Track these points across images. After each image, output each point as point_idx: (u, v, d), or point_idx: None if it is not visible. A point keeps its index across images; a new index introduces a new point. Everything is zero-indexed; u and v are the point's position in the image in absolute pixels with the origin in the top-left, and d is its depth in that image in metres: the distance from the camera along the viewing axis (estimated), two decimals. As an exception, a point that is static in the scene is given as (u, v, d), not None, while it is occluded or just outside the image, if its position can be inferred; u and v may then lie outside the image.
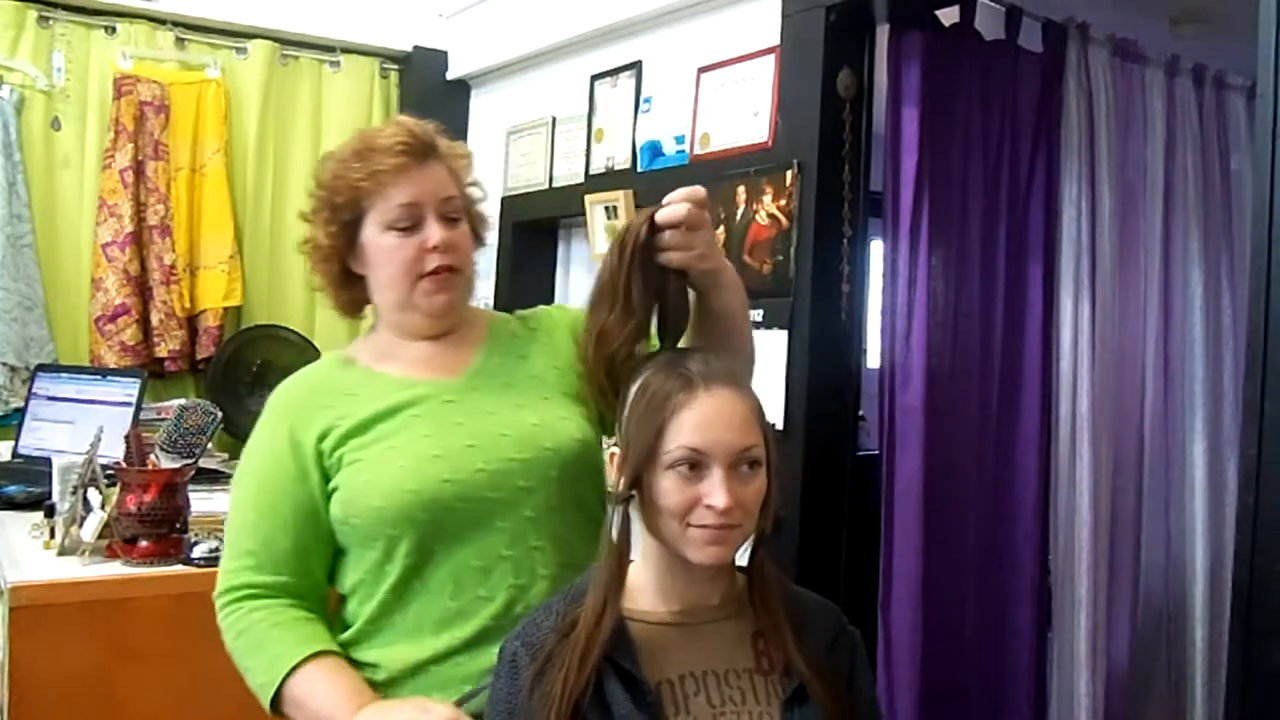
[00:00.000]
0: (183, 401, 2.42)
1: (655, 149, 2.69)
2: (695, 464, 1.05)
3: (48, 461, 2.29)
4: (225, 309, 3.31)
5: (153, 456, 2.05)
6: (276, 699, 1.23)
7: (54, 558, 2.00)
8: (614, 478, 1.10)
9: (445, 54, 3.55)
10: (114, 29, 3.22)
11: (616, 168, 2.82)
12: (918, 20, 2.27)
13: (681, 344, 1.23)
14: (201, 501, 2.14)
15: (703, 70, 2.56)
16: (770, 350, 2.22)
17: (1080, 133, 2.43)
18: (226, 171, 3.31)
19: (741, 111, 2.43)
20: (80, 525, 1.99)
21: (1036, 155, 2.43)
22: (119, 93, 3.15)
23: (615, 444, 1.12)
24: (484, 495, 1.26)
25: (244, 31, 3.38)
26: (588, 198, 2.84)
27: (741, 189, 2.36)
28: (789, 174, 2.25)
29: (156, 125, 3.20)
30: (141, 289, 3.18)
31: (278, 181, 3.41)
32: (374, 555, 1.27)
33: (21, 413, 2.87)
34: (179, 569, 1.96)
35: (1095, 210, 2.45)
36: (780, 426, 2.21)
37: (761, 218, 2.31)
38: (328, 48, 3.51)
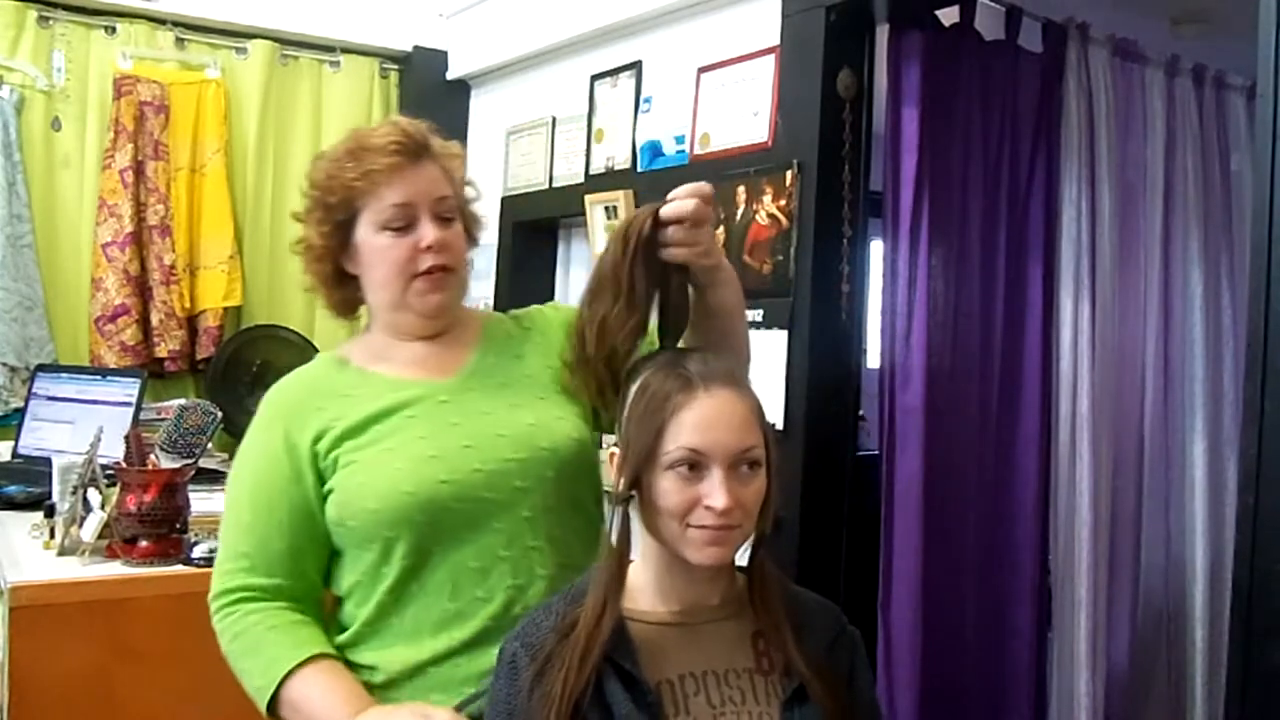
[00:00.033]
0: (183, 401, 2.41)
1: (655, 149, 2.69)
2: (695, 464, 1.05)
3: (48, 461, 2.29)
4: (225, 309, 3.30)
5: (153, 456, 2.06)
6: (273, 702, 1.23)
7: (54, 558, 2.00)
8: (614, 478, 1.10)
9: (445, 54, 3.55)
10: (114, 29, 3.22)
11: (616, 168, 2.81)
12: (918, 20, 2.27)
13: (679, 342, 1.23)
14: (201, 501, 2.14)
15: (703, 70, 2.56)
16: (770, 350, 2.23)
17: (1080, 133, 2.43)
18: (226, 171, 3.31)
19: (741, 111, 2.43)
20: (80, 525, 1.99)
21: (1036, 155, 2.43)
22: (119, 93, 3.15)
23: (615, 444, 1.12)
24: (481, 496, 1.25)
25: (244, 31, 3.38)
26: (588, 198, 2.83)
27: (741, 189, 2.36)
28: (789, 174, 2.25)
29: (156, 125, 3.20)
30: (141, 289, 3.18)
31: (278, 181, 3.41)
32: (371, 557, 1.27)
33: (21, 413, 2.87)
34: (179, 569, 1.96)
35: (1095, 210, 2.45)
36: (780, 426, 2.21)
37: (761, 218, 2.31)
38: (328, 48, 3.51)
